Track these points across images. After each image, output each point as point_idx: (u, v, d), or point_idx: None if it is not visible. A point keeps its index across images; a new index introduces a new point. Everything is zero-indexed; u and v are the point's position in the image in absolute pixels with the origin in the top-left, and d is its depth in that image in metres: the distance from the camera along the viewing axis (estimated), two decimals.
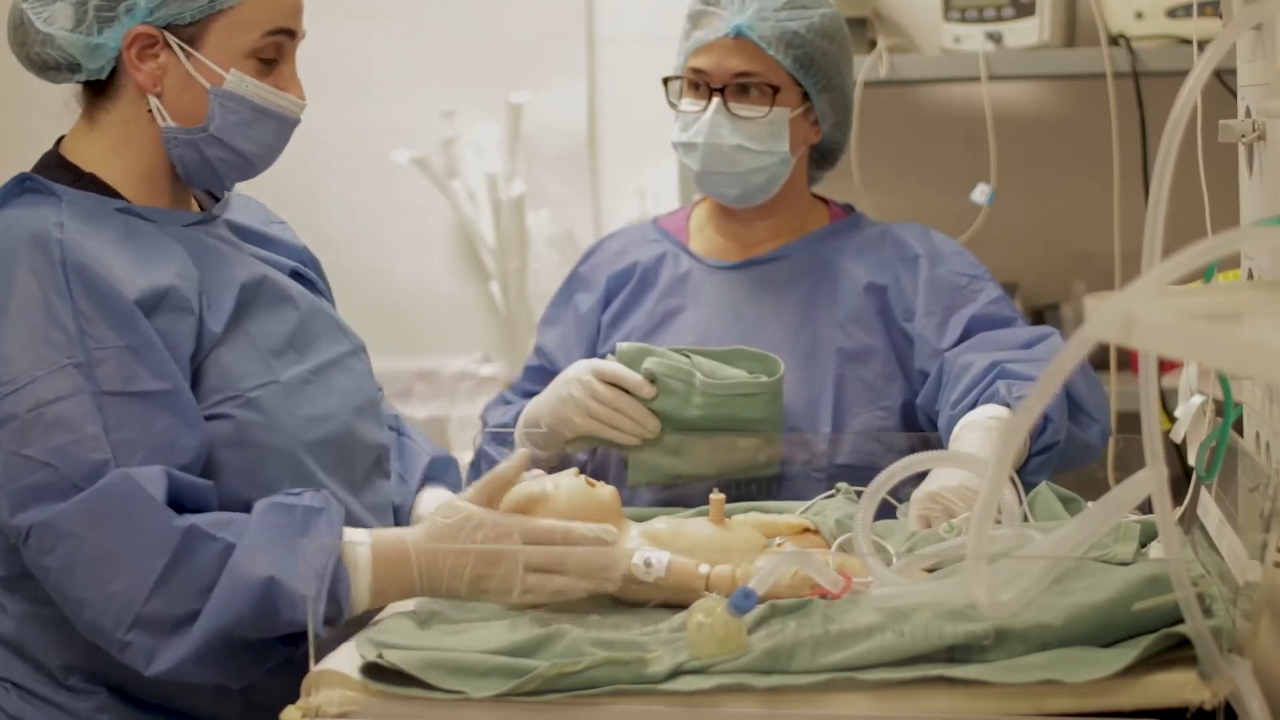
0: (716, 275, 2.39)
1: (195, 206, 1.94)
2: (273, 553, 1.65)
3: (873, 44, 3.11)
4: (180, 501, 1.69)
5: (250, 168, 1.88)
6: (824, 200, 2.47)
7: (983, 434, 2.00)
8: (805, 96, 2.31)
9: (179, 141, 1.83)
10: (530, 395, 2.31)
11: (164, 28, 1.79)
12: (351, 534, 1.75)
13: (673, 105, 2.35)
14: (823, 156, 2.43)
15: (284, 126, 1.87)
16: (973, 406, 2.07)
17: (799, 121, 2.32)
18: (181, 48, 1.79)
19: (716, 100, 2.28)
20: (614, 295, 2.41)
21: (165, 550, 1.64)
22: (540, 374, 2.37)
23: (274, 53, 1.83)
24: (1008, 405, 2.04)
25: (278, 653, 1.70)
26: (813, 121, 2.34)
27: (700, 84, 2.30)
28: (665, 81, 2.36)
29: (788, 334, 2.31)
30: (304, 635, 1.61)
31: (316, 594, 1.63)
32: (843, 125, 2.39)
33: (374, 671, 1.56)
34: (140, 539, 1.64)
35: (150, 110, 1.82)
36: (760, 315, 2.34)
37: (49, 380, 1.68)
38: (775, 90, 2.27)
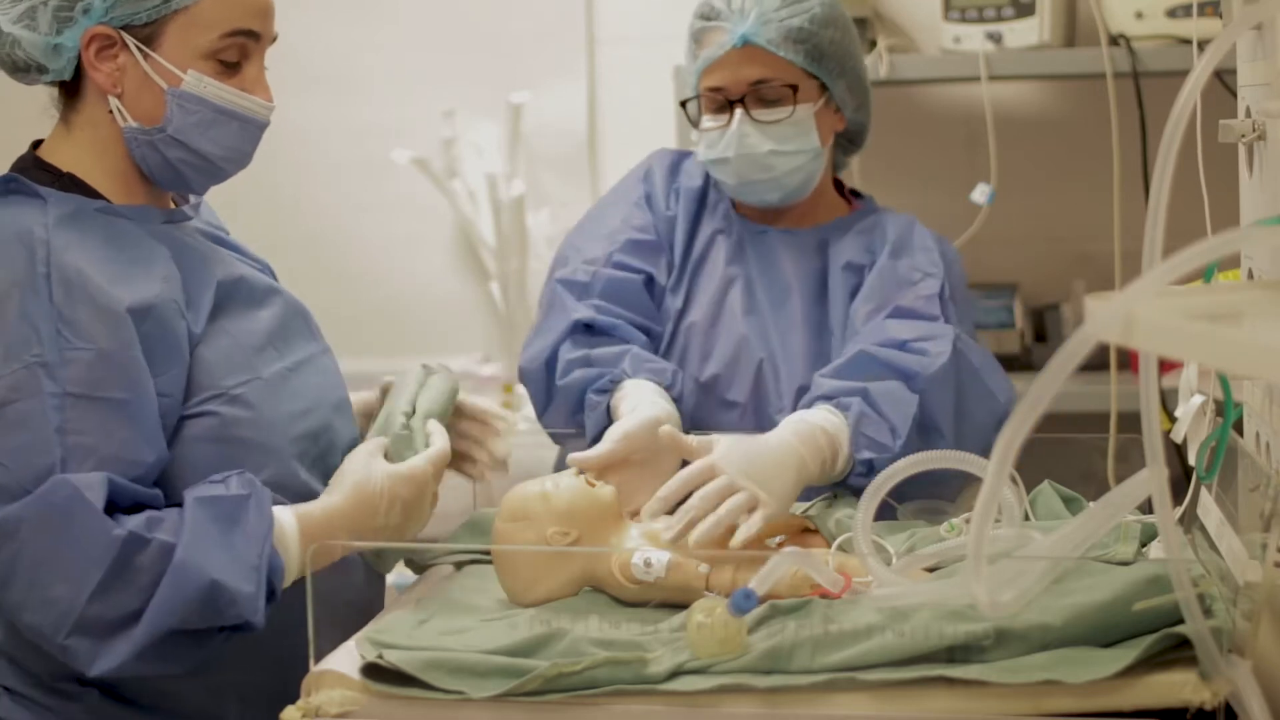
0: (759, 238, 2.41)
1: (172, 205, 1.93)
2: (213, 552, 1.66)
3: (873, 44, 3.11)
4: (123, 507, 1.68)
5: (217, 170, 1.87)
6: (846, 196, 2.47)
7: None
8: (823, 87, 2.31)
9: (139, 142, 1.82)
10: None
11: (121, 28, 1.78)
12: (279, 517, 1.75)
13: (694, 126, 2.36)
14: (850, 141, 2.43)
15: (249, 129, 1.85)
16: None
17: (823, 113, 2.32)
18: (139, 48, 1.78)
19: (739, 112, 2.28)
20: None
21: (104, 559, 1.63)
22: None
23: (237, 55, 1.81)
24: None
25: (217, 641, 1.70)
26: (835, 110, 2.35)
27: (719, 100, 2.30)
28: (683, 104, 2.36)
29: (801, 305, 2.34)
30: (240, 625, 1.67)
31: (256, 588, 1.66)
32: (864, 107, 2.40)
33: (374, 671, 1.56)
34: (79, 547, 1.64)
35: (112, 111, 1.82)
36: (779, 286, 2.36)
37: (12, 378, 1.68)
38: (794, 89, 2.28)
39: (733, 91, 2.28)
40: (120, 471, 1.68)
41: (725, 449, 1.87)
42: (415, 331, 3.59)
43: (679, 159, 2.46)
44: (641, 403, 2.09)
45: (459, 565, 1.95)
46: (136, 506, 1.69)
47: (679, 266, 2.36)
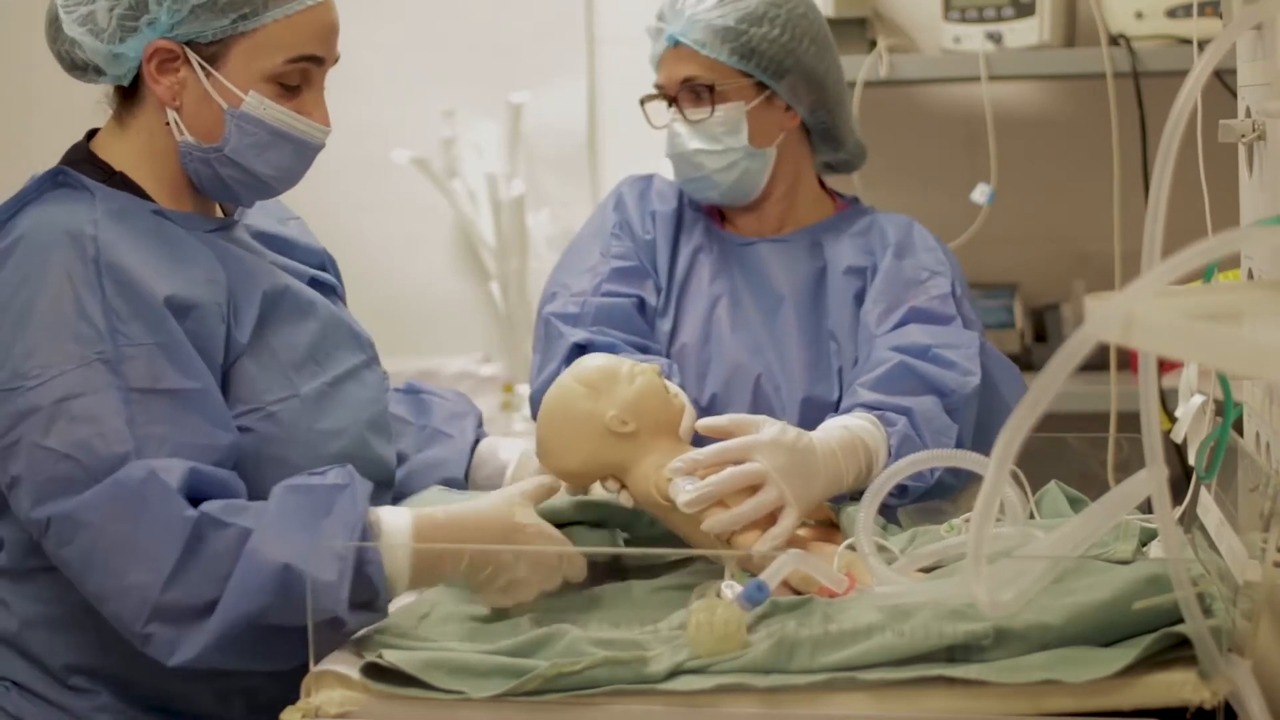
0: (741, 250, 2.41)
1: (219, 213, 1.93)
2: (289, 538, 1.62)
3: (873, 44, 3.11)
4: (207, 495, 1.66)
5: (267, 189, 1.87)
6: (832, 195, 2.47)
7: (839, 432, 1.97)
8: (762, 85, 2.31)
9: (194, 158, 1.82)
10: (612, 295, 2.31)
11: (185, 44, 1.78)
12: (388, 512, 1.70)
13: (651, 125, 2.39)
14: (821, 140, 2.42)
15: (304, 151, 1.85)
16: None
17: (763, 111, 2.32)
18: (201, 65, 1.78)
19: (673, 110, 2.33)
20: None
21: (178, 540, 1.61)
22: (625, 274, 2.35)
23: (298, 79, 1.81)
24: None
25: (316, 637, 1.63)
26: (784, 108, 2.34)
27: (662, 98, 2.35)
28: (642, 103, 2.38)
29: (795, 315, 2.33)
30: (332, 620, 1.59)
31: (338, 578, 1.59)
32: (824, 105, 2.36)
33: (374, 671, 1.56)
34: (154, 529, 1.62)
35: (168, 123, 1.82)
36: (769, 297, 2.35)
37: (76, 374, 1.67)
38: (711, 89, 2.29)
39: (669, 90, 2.33)
40: (195, 458, 1.67)
41: (773, 438, 1.84)
42: (415, 331, 3.60)
43: (648, 182, 2.47)
44: None
45: None
46: (224, 495, 1.67)
47: (665, 290, 2.37)
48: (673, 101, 2.33)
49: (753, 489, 1.82)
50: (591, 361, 1.93)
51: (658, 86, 2.35)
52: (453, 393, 2.20)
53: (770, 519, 1.82)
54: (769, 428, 1.86)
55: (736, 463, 1.83)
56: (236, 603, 1.60)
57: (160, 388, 1.69)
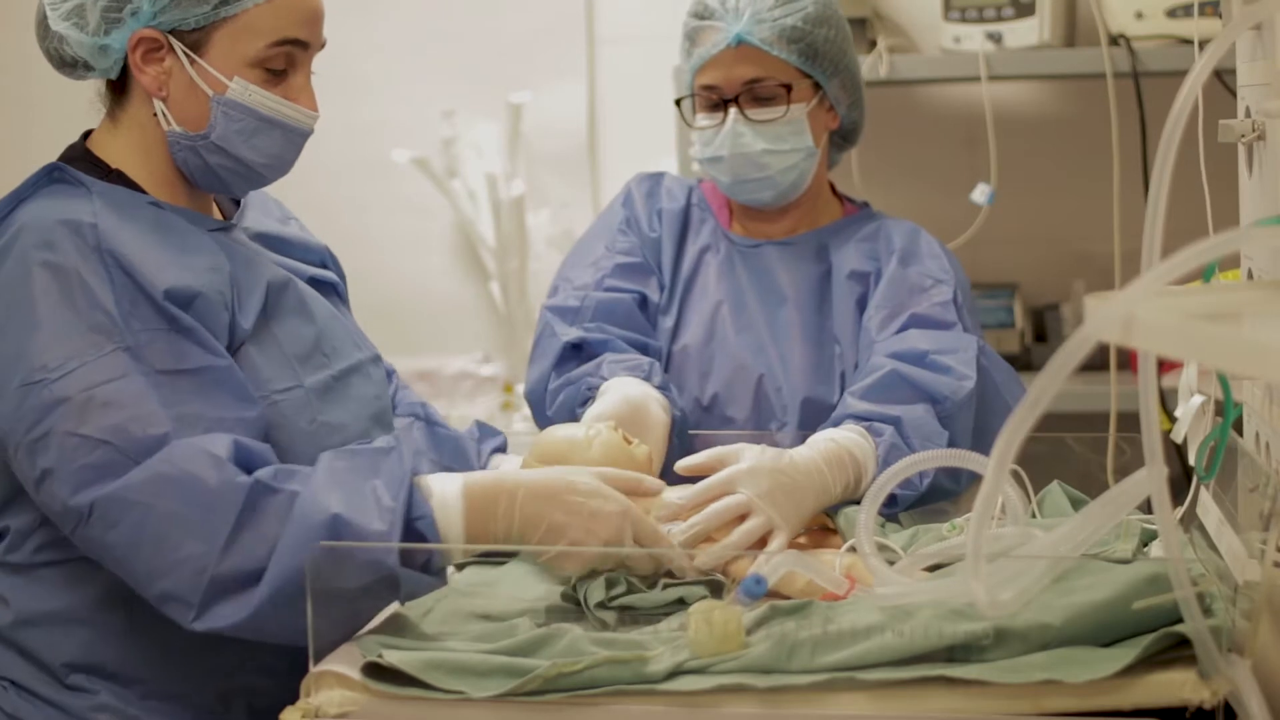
0: (747, 253, 2.41)
1: (216, 212, 1.94)
2: (337, 492, 1.63)
3: (873, 44, 3.11)
4: (251, 466, 1.66)
5: (258, 177, 1.87)
6: (840, 198, 2.47)
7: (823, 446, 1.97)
8: (816, 86, 2.32)
9: (182, 147, 1.83)
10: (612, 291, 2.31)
11: (169, 32, 1.78)
12: (436, 477, 1.71)
13: (689, 125, 2.37)
14: (843, 138, 2.44)
15: (292, 137, 1.86)
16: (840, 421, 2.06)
17: (816, 112, 2.33)
18: (185, 53, 1.79)
19: (733, 111, 2.29)
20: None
21: (233, 507, 1.62)
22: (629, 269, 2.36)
23: (283, 63, 1.82)
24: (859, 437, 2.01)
25: (371, 600, 1.64)
26: (828, 108, 2.35)
27: (713, 99, 2.31)
28: (678, 103, 2.38)
29: (799, 316, 2.33)
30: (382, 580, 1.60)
31: (388, 528, 1.60)
32: (857, 104, 2.40)
33: (374, 672, 1.56)
34: (207, 499, 1.62)
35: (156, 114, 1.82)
36: (773, 299, 2.35)
37: (99, 364, 1.67)
38: (788, 88, 2.28)
39: (726, 90, 2.29)
40: (233, 432, 1.68)
41: (751, 465, 1.86)
42: (415, 331, 3.60)
43: (657, 180, 2.47)
44: (613, 388, 2.10)
45: (460, 566, 1.95)
46: (266, 465, 1.68)
47: (669, 288, 2.37)
48: (729, 102, 2.29)
49: (741, 518, 1.83)
50: (554, 434, 1.93)
51: (707, 87, 2.30)
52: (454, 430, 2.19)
53: (762, 544, 1.83)
54: (747, 455, 1.87)
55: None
56: (287, 557, 1.60)
57: (184, 368, 1.70)
